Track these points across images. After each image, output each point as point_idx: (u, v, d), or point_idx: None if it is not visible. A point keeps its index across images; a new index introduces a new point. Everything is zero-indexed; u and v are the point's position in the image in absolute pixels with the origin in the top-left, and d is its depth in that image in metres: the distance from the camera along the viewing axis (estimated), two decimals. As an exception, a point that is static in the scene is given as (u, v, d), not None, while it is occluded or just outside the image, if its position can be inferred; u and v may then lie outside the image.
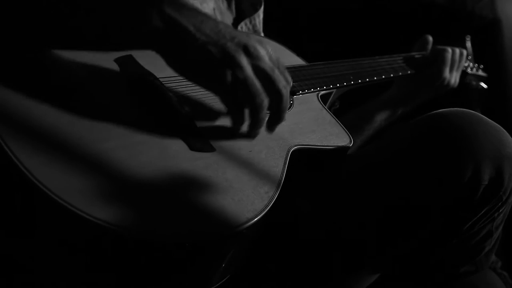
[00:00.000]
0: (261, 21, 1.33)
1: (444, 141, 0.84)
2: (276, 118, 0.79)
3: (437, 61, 1.34)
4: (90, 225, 0.59)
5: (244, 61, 0.72)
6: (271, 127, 0.81)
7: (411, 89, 1.39)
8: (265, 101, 0.74)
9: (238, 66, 0.71)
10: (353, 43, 1.35)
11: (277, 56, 0.78)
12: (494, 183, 0.84)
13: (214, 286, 0.75)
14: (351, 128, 1.35)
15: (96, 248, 0.63)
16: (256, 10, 1.29)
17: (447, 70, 1.34)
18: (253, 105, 0.74)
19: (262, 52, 0.74)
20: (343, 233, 0.88)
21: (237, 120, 0.78)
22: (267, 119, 0.79)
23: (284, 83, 0.76)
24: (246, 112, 0.77)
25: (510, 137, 0.90)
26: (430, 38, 1.42)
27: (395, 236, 0.89)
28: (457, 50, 1.37)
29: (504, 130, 0.90)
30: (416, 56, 1.39)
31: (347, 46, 1.32)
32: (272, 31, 1.31)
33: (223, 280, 0.76)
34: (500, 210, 0.92)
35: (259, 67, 0.73)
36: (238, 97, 0.74)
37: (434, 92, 1.39)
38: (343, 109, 1.24)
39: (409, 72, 1.30)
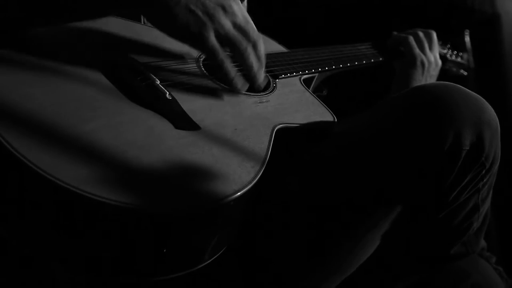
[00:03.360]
0: (245, 5, 1.35)
1: (424, 110, 0.86)
2: (258, 65, 0.87)
3: (404, 47, 1.36)
4: (82, 201, 0.60)
5: (223, 18, 0.81)
6: (256, 76, 0.88)
7: (403, 83, 1.39)
8: (249, 46, 0.84)
9: (219, 24, 0.80)
10: (349, 38, 1.36)
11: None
12: (475, 148, 0.86)
13: (206, 263, 0.75)
14: None
15: (84, 227, 0.64)
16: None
17: (416, 51, 1.34)
18: (240, 52, 0.84)
19: (236, 8, 0.83)
20: (332, 210, 0.89)
21: (228, 74, 0.84)
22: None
23: (257, 33, 0.86)
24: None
25: (490, 106, 0.92)
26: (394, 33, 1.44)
27: (384, 210, 0.89)
28: (420, 32, 1.38)
29: (484, 100, 0.92)
30: (386, 42, 1.40)
31: (342, 40, 1.33)
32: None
33: (214, 257, 0.76)
34: (484, 180, 0.93)
35: (235, 22, 0.83)
36: (223, 52, 0.82)
37: (424, 79, 1.38)
38: (331, 96, 1.26)
39: (380, 58, 1.31)
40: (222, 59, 0.82)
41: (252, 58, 0.85)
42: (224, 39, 0.82)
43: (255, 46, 0.86)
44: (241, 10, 0.84)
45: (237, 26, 0.83)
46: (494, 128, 0.90)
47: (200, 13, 0.79)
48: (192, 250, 0.72)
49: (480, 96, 0.91)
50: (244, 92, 0.90)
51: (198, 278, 0.77)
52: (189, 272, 0.74)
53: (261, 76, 0.89)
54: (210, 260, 0.76)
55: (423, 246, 1.03)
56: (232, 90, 0.88)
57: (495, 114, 0.91)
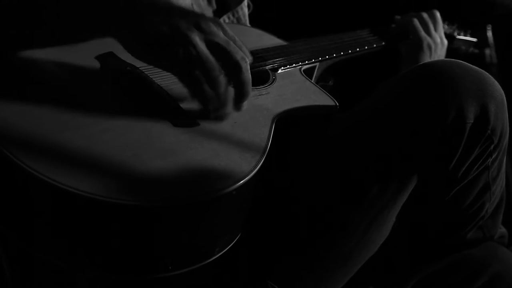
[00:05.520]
0: (245, 14, 1.36)
1: (426, 85, 0.86)
2: (240, 92, 0.78)
3: (410, 30, 1.35)
4: (84, 199, 0.62)
5: (196, 37, 0.72)
6: (237, 103, 0.79)
7: (410, 61, 1.39)
8: (221, 76, 0.74)
9: (190, 43, 0.71)
10: (352, 26, 1.36)
11: (234, 33, 0.78)
12: (480, 121, 0.85)
13: (217, 256, 0.76)
14: None
15: (94, 226, 0.66)
16: (239, 2, 1.31)
17: (422, 33, 1.34)
18: (210, 79, 0.73)
19: (214, 27, 0.75)
20: (341, 190, 0.89)
21: (200, 99, 0.76)
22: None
23: (242, 55, 0.76)
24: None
25: (494, 79, 0.91)
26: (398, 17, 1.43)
27: (394, 186, 0.89)
28: (423, 14, 1.38)
29: (487, 73, 0.91)
30: (394, 27, 1.40)
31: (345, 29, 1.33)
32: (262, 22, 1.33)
33: (224, 250, 0.77)
34: (493, 156, 0.92)
35: (212, 41, 0.74)
36: (194, 74, 0.73)
37: (429, 56, 1.38)
38: (338, 86, 1.26)
39: (383, 43, 1.31)
40: (187, 83, 0.75)
41: (222, 89, 0.75)
42: (195, 62, 0.72)
43: (237, 71, 0.75)
44: (222, 30, 0.76)
45: (214, 47, 0.74)
46: (499, 101, 0.89)
47: (170, 34, 0.72)
48: (200, 242, 0.73)
49: (483, 70, 0.90)
50: None
51: (199, 276, 0.78)
52: (201, 265, 0.75)
53: (228, 108, 0.78)
54: (221, 254, 0.77)
55: (438, 230, 1.02)
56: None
57: (499, 87, 0.90)
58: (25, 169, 0.62)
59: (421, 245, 1.03)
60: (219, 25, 0.76)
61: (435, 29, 1.36)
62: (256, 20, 1.30)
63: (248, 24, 1.32)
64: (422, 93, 0.86)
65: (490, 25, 1.60)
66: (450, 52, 1.56)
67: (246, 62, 0.76)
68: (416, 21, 1.34)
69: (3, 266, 0.78)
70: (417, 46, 1.35)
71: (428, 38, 1.33)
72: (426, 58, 1.39)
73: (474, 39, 1.65)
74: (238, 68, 0.75)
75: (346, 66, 1.32)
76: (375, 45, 1.27)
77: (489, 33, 1.58)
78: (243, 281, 0.89)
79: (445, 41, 1.39)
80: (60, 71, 0.80)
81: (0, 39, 0.75)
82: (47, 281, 0.78)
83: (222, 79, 0.74)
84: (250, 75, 0.77)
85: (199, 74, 0.73)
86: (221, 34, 0.75)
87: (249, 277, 0.89)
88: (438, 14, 1.40)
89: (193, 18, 0.74)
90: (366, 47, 1.24)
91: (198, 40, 0.72)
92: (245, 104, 0.80)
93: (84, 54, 0.86)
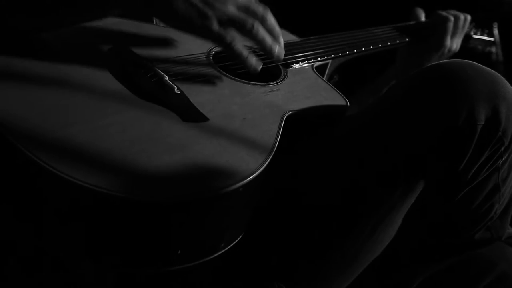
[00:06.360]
0: None
1: (438, 84, 0.85)
2: (271, 38, 0.87)
3: (438, 30, 1.34)
4: (93, 194, 0.63)
5: (223, 4, 0.81)
6: (272, 49, 0.87)
7: (414, 61, 1.38)
8: (255, 22, 0.84)
9: (219, 11, 0.81)
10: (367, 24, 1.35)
11: None
12: (491, 122, 0.84)
13: (223, 251, 0.77)
14: (362, 104, 1.37)
15: (103, 221, 0.67)
16: None
17: (448, 39, 1.33)
18: (248, 31, 0.83)
19: None
20: (348, 192, 0.89)
21: (239, 55, 0.85)
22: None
23: (262, 7, 0.86)
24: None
25: (506, 80, 0.89)
26: (421, 11, 1.42)
27: (401, 189, 0.88)
28: (461, 17, 1.35)
29: (499, 74, 0.90)
30: (413, 24, 1.39)
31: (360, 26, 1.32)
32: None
33: (230, 245, 0.78)
34: (504, 158, 0.91)
35: (237, 5, 0.83)
36: (231, 36, 0.82)
37: (437, 59, 1.38)
38: (343, 82, 1.25)
39: (406, 39, 1.30)
40: (230, 42, 0.83)
41: (262, 32, 0.85)
42: (229, 24, 0.82)
43: (263, 20, 0.85)
44: None
45: (240, 8, 0.83)
46: (511, 103, 0.87)
47: (199, 5, 0.80)
48: (206, 237, 0.74)
49: (495, 72, 0.89)
50: (253, 83, 0.91)
51: (200, 274, 0.78)
52: (206, 260, 0.75)
53: (276, 48, 0.88)
54: (227, 249, 0.77)
55: (445, 230, 1.01)
56: (248, 70, 0.88)
57: (511, 88, 0.89)
58: (36, 162, 0.63)
59: (428, 245, 1.03)
60: None
61: (460, 35, 1.35)
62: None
63: None
64: (433, 94, 0.85)
65: (496, 23, 1.57)
66: (467, 51, 1.54)
67: (268, 10, 0.87)
68: (450, 25, 1.32)
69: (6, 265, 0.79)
70: (436, 48, 1.34)
71: (449, 44, 1.32)
72: (435, 59, 1.38)
73: (491, 39, 1.63)
74: (264, 19, 0.86)
75: (352, 62, 1.31)
76: (389, 43, 1.25)
77: (496, 31, 1.56)
78: (247, 281, 0.89)
79: (458, 48, 1.38)
80: (69, 63, 0.81)
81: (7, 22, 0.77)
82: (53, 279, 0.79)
83: (257, 25, 0.84)
84: (274, 20, 0.88)
85: (235, 33, 0.83)
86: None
87: (253, 277, 0.89)
88: (469, 19, 1.38)
89: None
90: (380, 45, 1.23)
91: (223, 5, 0.82)
92: (282, 43, 0.90)
93: (94, 45, 0.87)
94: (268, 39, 0.86)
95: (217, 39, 0.83)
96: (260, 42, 0.86)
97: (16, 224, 0.71)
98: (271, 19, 0.87)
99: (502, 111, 0.85)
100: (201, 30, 0.82)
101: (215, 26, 0.81)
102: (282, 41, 0.89)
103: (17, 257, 0.79)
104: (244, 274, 0.90)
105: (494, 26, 1.59)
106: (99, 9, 0.82)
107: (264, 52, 0.88)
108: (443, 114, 0.83)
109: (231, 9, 0.83)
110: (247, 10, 0.84)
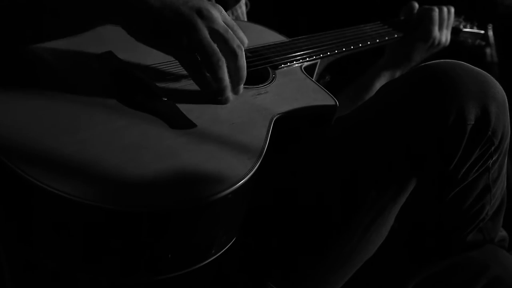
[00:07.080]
0: (244, 12, 1.35)
1: (428, 84, 0.85)
2: (236, 77, 0.83)
3: (424, 21, 1.34)
4: (82, 206, 0.63)
5: (199, 23, 0.76)
6: (234, 88, 0.85)
7: (404, 52, 1.39)
8: (222, 60, 0.78)
9: (193, 29, 0.76)
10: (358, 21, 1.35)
11: (231, 18, 0.83)
12: (480, 122, 0.85)
13: (214, 257, 0.77)
14: (352, 99, 1.37)
15: (92, 231, 0.67)
16: (237, 1, 1.31)
17: (435, 29, 1.34)
18: (210, 65, 0.78)
19: (215, 14, 0.78)
20: (340, 193, 0.89)
21: (201, 84, 0.82)
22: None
23: (238, 43, 0.80)
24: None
25: (496, 81, 0.90)
26: (416, 4, 1.42)
27: (393, 188, 0.88)
28: (444, 8, 1.37)
29: (489, 75, 0.90)
30: (402, 19, 1.39)
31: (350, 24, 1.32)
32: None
33: (222, 251, 0.78)
34: (494, 158, 0.91)
35: (213, 28, 0.78)
36: (196, 59, 0.78)
37: (426, 53, 1.39)
38: (334, 81, 1.25)
39: (395, 35, 1.30)
40: (189, 68, 0.81)
41: (222, 73, 0.80)
42: (197, 47, 0.77)
43: (233, 58, 0.81)
44: (222, 16, 0.80)
45: (214, 33, 0.78)
46: (501, 103, 0.88)
47: (174, 20, 0.75)
48: (197, 244, 0.74)
49: (485, 72, 0.90)
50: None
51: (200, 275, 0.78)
52: (199, 267, 0.75)
53: (226, 95, 0.83)
54: (218, 254, 0.77)
55: (437, 232, 1.01)
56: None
57: (501, 88, 0.90)
58: (22, 176, 0.63)
59: (421, 247, 1.03)
60: (219, 12, 0.80)
61: (447, 27, 1.35)
62: (254, 19, 1.30)
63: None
64: (424, 94, 0.85)
65: (491, 25, 1.58)
66: (456, 45, 1.54)
67: (242, 50, 0.81)
68: (435, 15, 1.33)
69: (3, 267, 0.79)
70: (424, 39, 1.34)
71: (438, 36, 1.32)
72: (422, 54, 1.38)
73: (481, 31, 1.63)
74: (234, 55, 0.80)
75: (343, 61, 1.31)
76: (378, 40, 1.25)
77: (490, 32, 1.57)
78: (243, 281, 0.89)
79: (448, 42, 1.38)
80: (54, 73, 0.81)
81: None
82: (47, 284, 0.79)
83: (222, 63, 0.79)
84: (245, 61, 0.83)
85: (200, 59, 0.79)
86: (220, 20, 0.79)
87: (248, 278, 0.89)
88: (453, 11, 1.38)
89: (195, 3, 0.77)
90: (369, 43, 1.22)
91: (200, 26, 0.76)
92: (241, 88, 0.86)
93: (80, 53, 0.87)
94: (224, 81, 0.81)
95: (180, 61, 0.81)
96: (217, 80, 0.81)
97: (6, 233, 0.71)
98: (242, 59, 0.82)
99: (492, 111, 0.85)
100: (168, 47, 0.79)
101: (179, 46, 0.77)
102: (241, 87, 0.86)
103: (9, 267, 0.79)
104: (242, 273, 0.90)
105: (489, 27, 1.59)
106: (83, 19, 0.80)
107: (213, 90, 0.83)
108: (433, 113, 0.84)
109: (203, 33, 0.77)
110: (220, 38, 0.79)
